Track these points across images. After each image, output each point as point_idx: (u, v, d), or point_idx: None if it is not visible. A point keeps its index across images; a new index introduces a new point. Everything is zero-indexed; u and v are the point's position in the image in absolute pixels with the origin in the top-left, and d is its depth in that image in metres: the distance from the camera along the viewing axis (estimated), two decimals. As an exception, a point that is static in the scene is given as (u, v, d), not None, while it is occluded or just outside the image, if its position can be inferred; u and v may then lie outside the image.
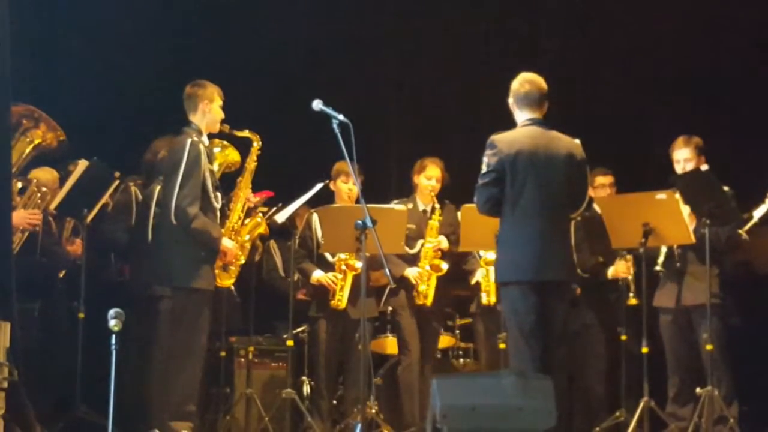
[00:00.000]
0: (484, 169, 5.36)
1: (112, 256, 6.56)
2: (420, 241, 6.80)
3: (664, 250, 6.24)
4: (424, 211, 6.87)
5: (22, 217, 5.76)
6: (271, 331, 7.39)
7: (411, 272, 6.72)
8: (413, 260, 6.78)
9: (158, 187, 5.76)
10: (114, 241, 6.31)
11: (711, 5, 7.86)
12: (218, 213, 5.84)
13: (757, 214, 6.00)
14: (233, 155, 6.14)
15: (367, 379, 5.78)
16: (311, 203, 6.79)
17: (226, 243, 5.90)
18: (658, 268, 6.24)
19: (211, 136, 5.98)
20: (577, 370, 6.55)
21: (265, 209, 6.51)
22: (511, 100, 5.50)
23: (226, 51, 8.10)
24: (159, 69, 7.66)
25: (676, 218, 5.89)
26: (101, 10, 7.61)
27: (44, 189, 6.00)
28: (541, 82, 5.46)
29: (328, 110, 5.16)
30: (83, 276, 6.00)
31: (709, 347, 5.86)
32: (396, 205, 6.57)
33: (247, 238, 6.20)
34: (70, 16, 7.52)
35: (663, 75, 8.15)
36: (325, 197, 6.82)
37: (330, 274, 6.63)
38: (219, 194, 5.85)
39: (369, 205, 5.31)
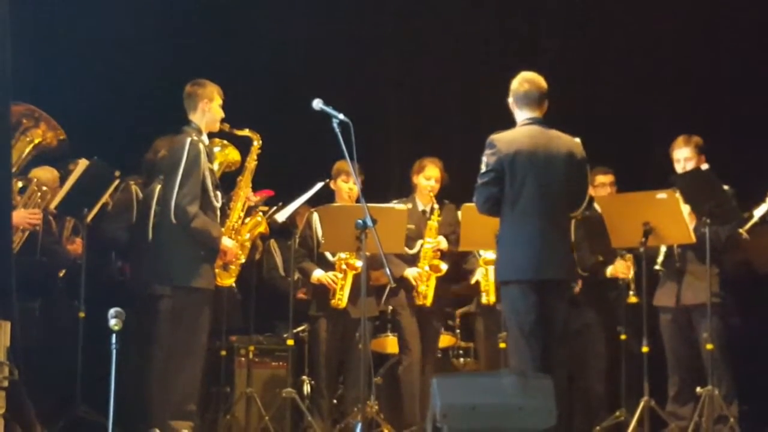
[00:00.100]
0: (483, 168, 5.37)
1: (113, 255, 6.57)
2: (419, 242, 6.80)
3: (663, 249, 6.24)
4: (424, 212, 6.87)
5: (23, 216, 5.77)
6: (272, 331, 7.40)
7: (410, 273, 6.72)
8: (412, 261, 6.78)
9: (158, 186, 5.76)
10: (114, 239, 6.31)
11: (711, 5, 7.87)
12: (218, 212, 5.84)
13: (758, 213, 6.00)
14: (233, 154, 6.14)
15: (368, 378, 5.78)
16: (311, 202, 6.80)
17: (226, 242, 5.90)
18: (657, 267, 6.24)
19: (211, 135, 5.98)
20: (577, 369, 6.54)
21: (265, 208, 6.51)
22: (510, 100, 5.50)
23: (226, 51, 8.10)
24: (159, 69, 7.66)
25: (676, 217, 5.90)
26: (101, 10, 7.61)
27: (44, 188, 6.00)
28: (540, 81, 5.46)
29: (329, 109, 5.16)
30: (83, 275, 6.00)
31: (709, 346, 5.86)
32: (396, 205, 6.57)
33: (247, 237, 6.20)
34: (70, 16, 7.52)
35: (663, 75, 8.15)
36: (326, 196, 6.83)
37: (330, 274, 6.63)
38: (219, 193, 5.85)
39: (369, 205, 5.30)
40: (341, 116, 5.11)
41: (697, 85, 7.88)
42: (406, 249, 6.66)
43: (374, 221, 5.20)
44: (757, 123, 7.48)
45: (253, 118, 6.26)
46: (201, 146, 5.74)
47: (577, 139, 5.45)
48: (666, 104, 7.94)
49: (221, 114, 5.92)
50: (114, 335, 4.33)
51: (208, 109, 5.87)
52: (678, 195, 5.91)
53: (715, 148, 6.28)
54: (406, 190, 7.10)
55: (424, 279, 6.71)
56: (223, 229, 5.93)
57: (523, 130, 5.42)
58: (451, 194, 6.95)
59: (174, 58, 7.74)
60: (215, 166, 5.93)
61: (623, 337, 6.54)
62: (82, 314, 5.93)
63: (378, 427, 6.39)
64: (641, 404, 5.92)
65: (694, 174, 6.02)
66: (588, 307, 6.75)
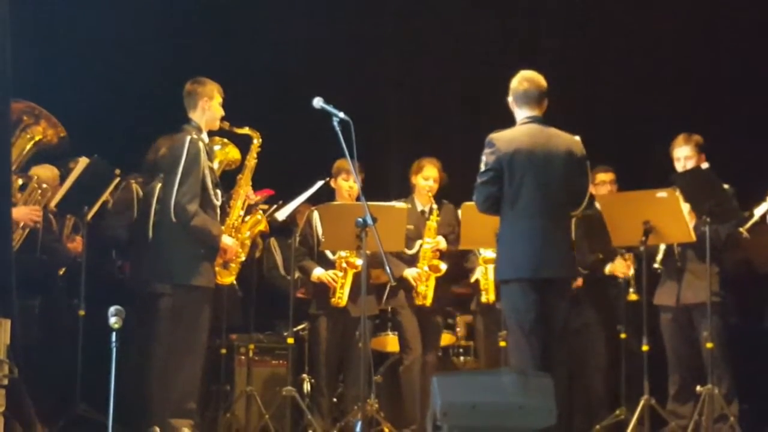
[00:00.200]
0: (482, 167, 5.37)
1: (113, 253, 6.57)
2: (418, 242, 6.80)
3: (662, 248, 6.24)
4: (423, 212, 6.87)
5: (25, 213, 5.77)
6: (272, 329, 7.39)
7: (410, 273, 6.71)
8: (412, 261, 6.78)
9: (159, 185, 5.76)
10: (114, 238, 6.32)
11: (711, 5, 7.87)
12: (218, 210, 5.84)
13: (758, 212, 6.00)
14: (233, 153, 6.14)
15: (368, 376, 5.78)
16: (312, 201, 6.80)
17: (226, 240, 5.91)
18: (656, 265, 6.25)
19: (211, 134, 5.98)
20: (577, 368, 6.54)
21: (265, 207, 6.51)
22: (510, 99, 5.51)
23: (226, 51, 8.10)
24: (159, 69, 7.66)
25: (676, 216, 5.90)
26: (101, 10, 7.61)
27: (45, 186, 6.00)
28: (540, 79, 5.46)
29: (329, 108, 5.17)
30: (83, 273, 6.01)
31: (709, 345, 5.86)
32: (396, 203, 6.57)
33: (247, 235, 6.21)
34: (70, 16, 7.52)
35: (663, 75, 8.15)
36: (326, 195, 6.83)
37: (330, 272, 6.63)
38: (219, 191, 5.85)
39: (369, 203, 5.30)
40: (341, 114, 5.11)
41: (697, 85, 7.88)
42: (405, 249, 6.66)
43: (374, 220, 5.20)
44: (757, 123, 7.48)
45: (253, 118, 6.26)
46: (201, 144, 5.75)
47: (577, 137, 5.45)
48: (666, 104, 7.93)
49: (221, 112, 5.92)
50: (114, 333, 4.34)
51: (208, 107, 5.87)
52: (678, 194, 5.91)
53: (715, 148, 6.28)
54: (405, 189, 7.10)
55: (424, 279, 6.71)
56: (223, 228, 5.93)
57: (522, 128, 5.42)
58: (450, 194, 6.95)
59: (174, 58, 7.74)
60: (215, 165, 5.93)
61: (623, 335, 6.55)
62: (82, 312, 5.94)
63: (378, 425, 6.39)
64: (641, 403, 5.92)
65: (694, 173, 6.02)
66: (588, 306, 6.76)
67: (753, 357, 6.55)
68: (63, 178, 6.21)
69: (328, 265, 6.69)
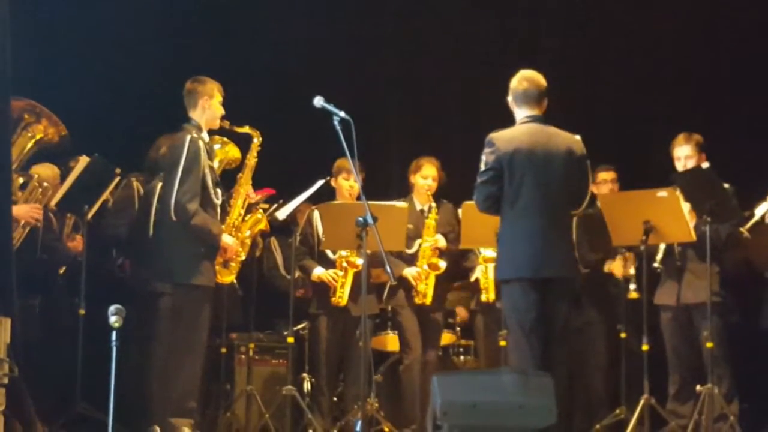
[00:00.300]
0: (482, 167, 5.38)
1: (113, 252, 6.57)
2: (418, 241, 6.80)
3: (662, 247, 6.24)
4: (422, 211, 6.88)
5: (26, 211, 5.77)
6: (272, 328, 7.39)
7: (409, 272, 6.72)
8: (411, 260, 6.78)
9: (159, 184, 5.76)
10: (115, 237, 6.32)
11: (711, 5, 7.87)
12: (218, 209, 5.84)
13: (759, 211, 6.01)
14: (233, 152, 6.14)
15: (368, 376, 5.78)
16: (312, 200, 6.79)
17: (227, 239, 5.91)
18: (656, 265, 6.25)
19: (211, 132, 5.99)
20: (577, 367, 6.54)
21: (266, 206, 6.51)
22: (510, 98, 5.51)
23: (226, 51, 8.10)
24: (159, 69, 7.66)
25: (677, 216, 5.90)
26: (101, 10, 7.61)
27: (45, 185, 6.00)
28: (540, 79, 5.46)
29: (330, 107, 5.17)
30: (84, 272, 6.00)
31: (709, 345, 5.86)
32: (397, 202, 6.57)
33: (247, 234, 6.21)
34: (70, 16, 7.52)
35: (663, 75, 8.16)
36: (327, 194, 6.83)
37: (331, 271, 6.63)
38: (219, 190, 5.85)
39: (370, 202, 5.30)
40: (342, 113, 5.11)
41: (697, 85, 7.88)
42: (405, 249, 6.66)
43: (375, 219, 5.20)
44: (757, 123, 7.48)
45: (254, 117, 6.26)
46: (201, 143, 5.75)
47: (577, 137, 5.45)
48: (666, 104, 7.93)
49: (221, 111, 5.93)
50: (114, 332, 4.34)
51: (208, 106, 5.87)
52: (678, 193, 5.91)
53: (715, 147, 6.28)
54: (406, 189, 7.10)
55: (423, 278, 6.71)
56: (223, 226, 5.93)
57: (522, 128, 5.42)
58: (450, 193, 6.95)
59: (174, 58, 7.73)
60: (215, 164, 5.93)
61: (623, 335, 6.54)
62: (82, 311, 5.93)
63: (378, 424, 6.40)
64: (641, 402, 5.92)
65: (694, 172, 6.02)
66: (588, 305, 6.76)
67: (753, 357, 6.55)
68: (63, 177, 6.20)
69: (329, 264, 6.69)
